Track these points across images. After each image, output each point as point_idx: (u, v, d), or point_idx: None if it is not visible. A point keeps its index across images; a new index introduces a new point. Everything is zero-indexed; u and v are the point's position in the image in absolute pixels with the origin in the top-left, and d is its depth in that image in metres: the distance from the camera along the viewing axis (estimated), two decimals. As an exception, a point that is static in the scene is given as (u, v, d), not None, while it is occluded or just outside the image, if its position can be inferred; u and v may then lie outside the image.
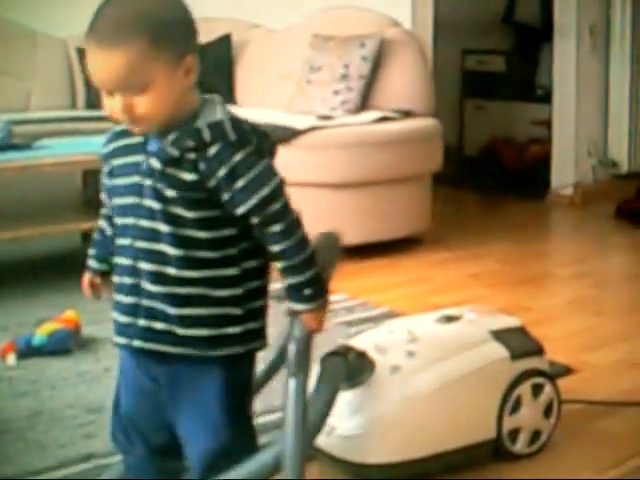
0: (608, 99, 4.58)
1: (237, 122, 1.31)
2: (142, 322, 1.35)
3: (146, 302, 1.34)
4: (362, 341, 1.76)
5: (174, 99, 1.28)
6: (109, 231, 1.46)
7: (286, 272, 1.33)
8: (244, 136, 1.30)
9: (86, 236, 3.21)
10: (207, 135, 1.28)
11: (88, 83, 4.39)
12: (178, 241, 1.30)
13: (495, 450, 1.75)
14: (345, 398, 1.63)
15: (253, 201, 1.29)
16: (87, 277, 1.52)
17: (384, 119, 3.54)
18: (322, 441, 1.65)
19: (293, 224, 1.32)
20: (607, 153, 4.60)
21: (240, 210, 1.30)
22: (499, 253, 3.55)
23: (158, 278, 1.32)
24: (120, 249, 1.37)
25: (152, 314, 1.34)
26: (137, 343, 1.36)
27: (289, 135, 3.29)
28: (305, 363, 1.39)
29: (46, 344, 2.38)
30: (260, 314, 1.38)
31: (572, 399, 2.00)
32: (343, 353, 1.60)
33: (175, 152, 1.28)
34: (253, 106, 4.00)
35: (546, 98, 4.87)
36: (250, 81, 4.33)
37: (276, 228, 1.30)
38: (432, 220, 3.69)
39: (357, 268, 3.25)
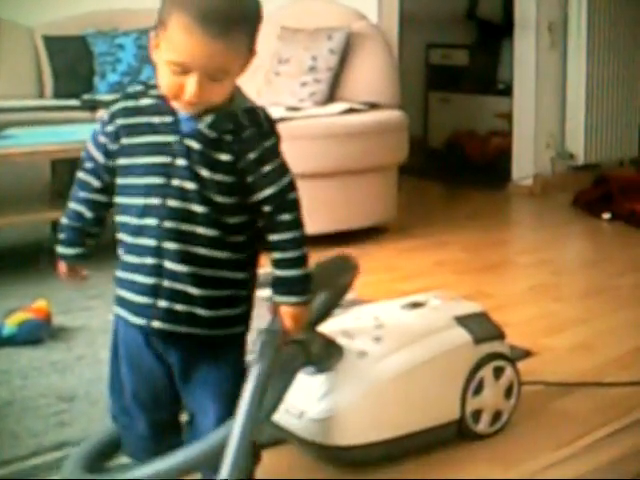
0: (566, 93, 4.67)
1: (266, 112, 1.37)
2: (163, 303, 1.34)
3: (168, 283, 1.33)
4: (330, 327, 1.78)
5: (233, 87, 1.32)
6: (88, 214, 1.44)
7: (281, 264, 1.37)
8: (273, 125, 1.36)
9: (55, 226, 3.19)
10: (243, 119, 1.32)
11: (56, 72, 4.35)
12: (211, 223, 1.32)
13: (459, 430, 1.80)
14: (314, 382, 1.67)
15: (274, 188, 1.34)
16: (63, 265, 1.48)
17: (351, 111, 3.58)
18: (293, 424, 1.69)
19: (300, 218, 1.37)
20: (565, 146, 4.70)
21: (261, 195, 1.34)
22: (463, 241, 3.61)
23: (185, 258, 1.32)
24: (138, 229, 1.34)
25: (174, 295, 1.33)
26: (157, 324, 1.35)
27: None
28: (270, 354, 1.39)
29: (17, 334, 2.35)
30: (251, 299, 1.43)
31: (531, 381, 2.06)
32: (302, 341, 1.57)
33: (214, 134, 1.31)
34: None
35: (507, 92, 4.94)
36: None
37: (287, 217, 1.36)
38: (398, 210, 3.73)
39: (325, 256, 3.29)
